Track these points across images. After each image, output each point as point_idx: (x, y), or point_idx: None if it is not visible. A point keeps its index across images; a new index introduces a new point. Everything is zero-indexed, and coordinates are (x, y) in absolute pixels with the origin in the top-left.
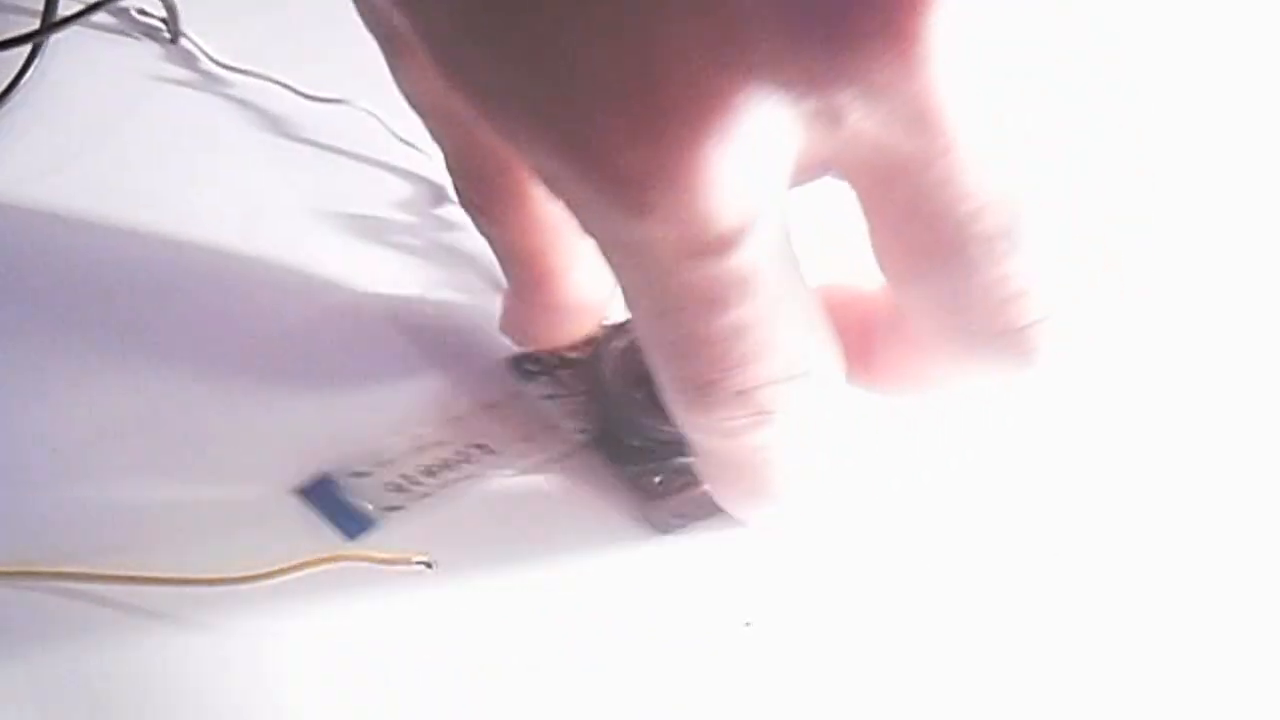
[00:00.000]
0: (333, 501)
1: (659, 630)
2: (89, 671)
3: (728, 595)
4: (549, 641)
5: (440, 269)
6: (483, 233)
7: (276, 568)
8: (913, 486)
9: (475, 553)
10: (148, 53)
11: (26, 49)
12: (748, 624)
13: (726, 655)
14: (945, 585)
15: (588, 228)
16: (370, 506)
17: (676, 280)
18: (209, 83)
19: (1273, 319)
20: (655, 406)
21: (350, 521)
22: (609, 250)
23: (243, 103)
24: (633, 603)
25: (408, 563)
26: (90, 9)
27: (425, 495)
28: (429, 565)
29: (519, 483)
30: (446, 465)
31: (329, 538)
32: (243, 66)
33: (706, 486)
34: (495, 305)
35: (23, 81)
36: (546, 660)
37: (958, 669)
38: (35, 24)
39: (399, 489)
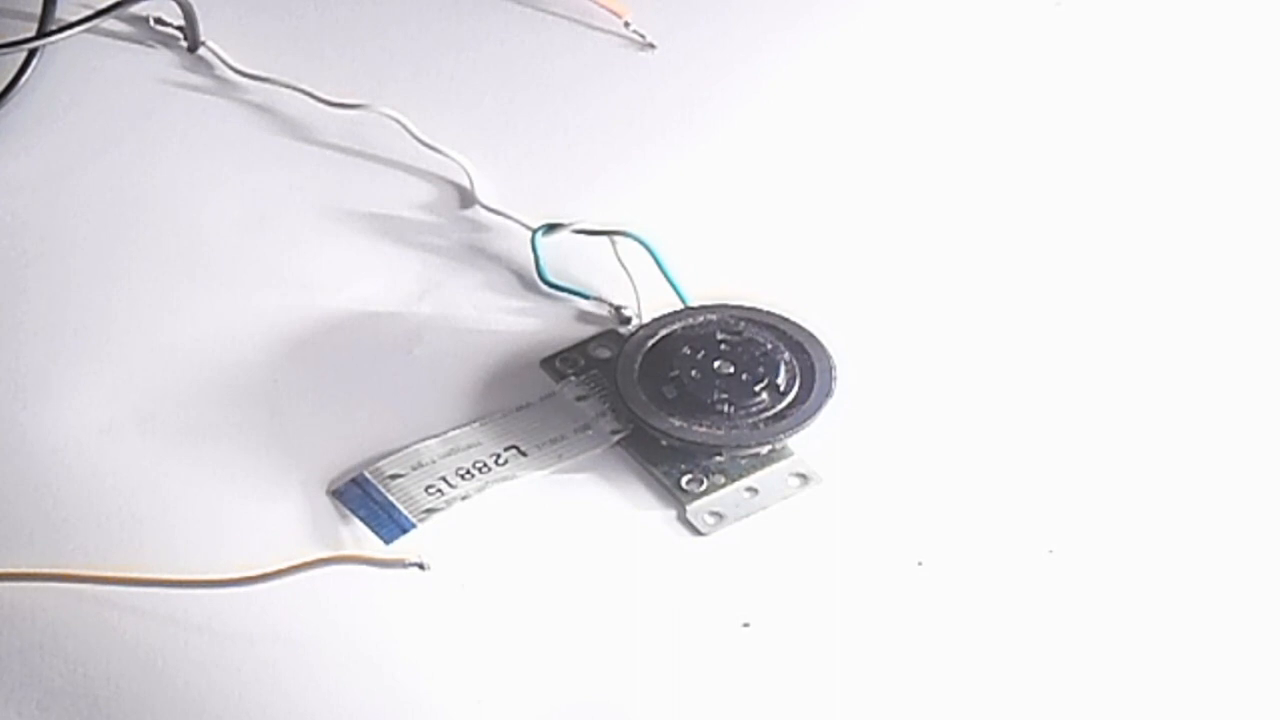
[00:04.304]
0: (368, 504)
1: (659, 630)
2: (89, 671)
3: (727, 596)
4: (550, 641)
5: (470, 271)
6: None
7: (275, 569)
8: (911, 489)
9: (499, 557)
10: (165, 61)
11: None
12: (746, 625)
13: (726, 655)
14: (943, 587)
15: None
16: (407, 510)
17: None
18: (228, 90)
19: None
20: (686, 406)
21: (387, 524)
22: None
23: (263, 109)
24: (635, 604)
25: (403, 564)
26: (90, 18)
27: (463, 498)
28: (423, 567)
29: (551, 483)
30: (481, 467)
31: (366, 540)
32: (262, 74)
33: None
34: (526, 306)
35: (20, 85)
36: (546, 659)
37: (955, 669)
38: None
39: (436, 492)
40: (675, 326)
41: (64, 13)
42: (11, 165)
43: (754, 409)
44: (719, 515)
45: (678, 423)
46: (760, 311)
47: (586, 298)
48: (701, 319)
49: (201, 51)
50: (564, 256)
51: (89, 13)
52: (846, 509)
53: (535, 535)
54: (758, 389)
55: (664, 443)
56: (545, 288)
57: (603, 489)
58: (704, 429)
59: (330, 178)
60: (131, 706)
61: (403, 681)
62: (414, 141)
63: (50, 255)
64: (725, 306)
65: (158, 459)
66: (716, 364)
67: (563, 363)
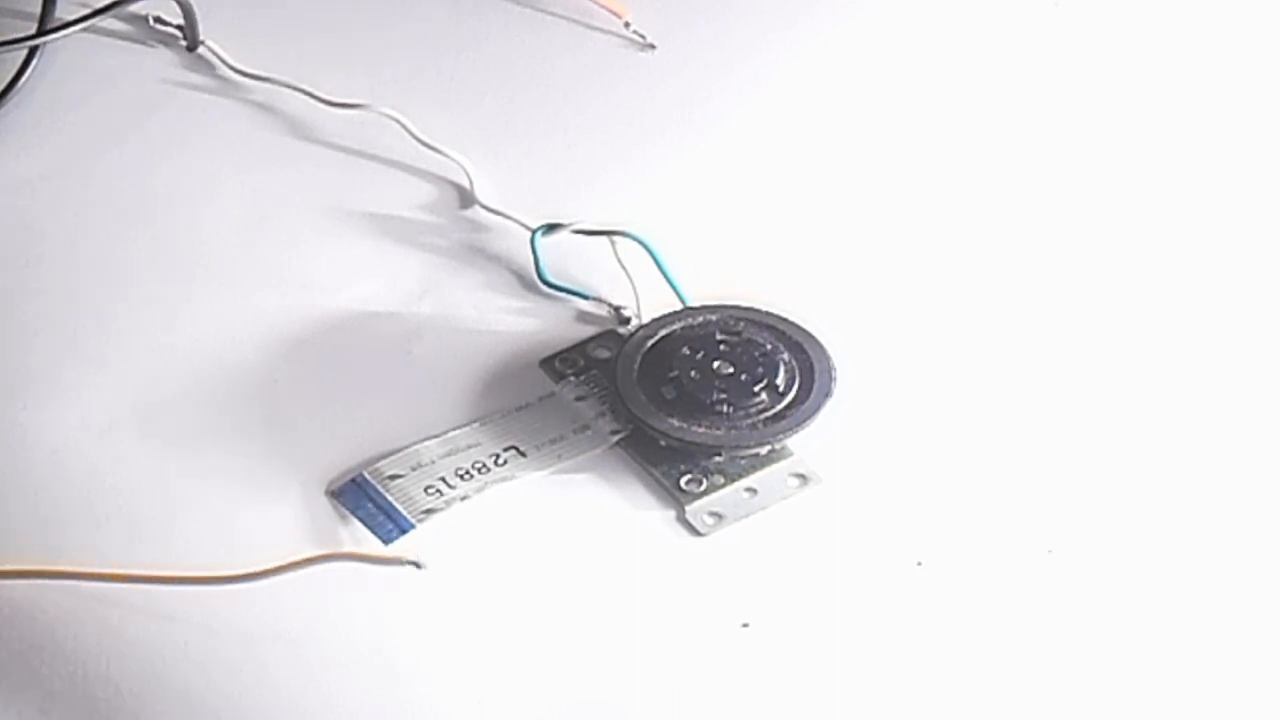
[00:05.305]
0: (367, 505)
1: (658, 630)
2: (89, 672)
3: (726, 597)
4: (550, 641)
5: (470, 271)
6: None
7: (272, 566)
8: (910, 489)
9: (498, 558)
10: (164, 60)
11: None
12: (745, 625)
13: (725, 656)
14: (943, 587)
15: None
16: (406, 510)
17: None
18: (228, 89)
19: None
20: (685, 407)
21: (386, 525)
22: None
23: (263, 108)
24: (635, 604)
25: (400, 562)
26: (89, 16)
27: (462, 498)
28: (418, 565)
29: (551, 484)
30: (480, 468)
31: (365, 541)
32: (262, 74)
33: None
34: (526, 306)
35: (20, 85)
36: (546, 659)
37: (955, 669)
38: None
39: (435, 492)
40: (675, 327)
41: (64, 12)
42: (11, 165)
43: (753, 409)
44: (718, 516)
45: (677, 423)
46: (759, 312)
47: (586, 298)
48: (701, 319)
49: (201, 51)
50: (564, 257)
51: (88, 11)
52: (846, 509)
53: (534, 536)
54: (757, 389)
55: (663, 443)
56: (545, 288)
57: (602, 489)
58: (703, 429)
59: (330, 178)
60: (131, 706)
61: (402, 681)
62: (414, 141)
63: (50, 255)
64: (725, 307)
65: (158, 459)
66: (716, 364)
67: (562, 363)
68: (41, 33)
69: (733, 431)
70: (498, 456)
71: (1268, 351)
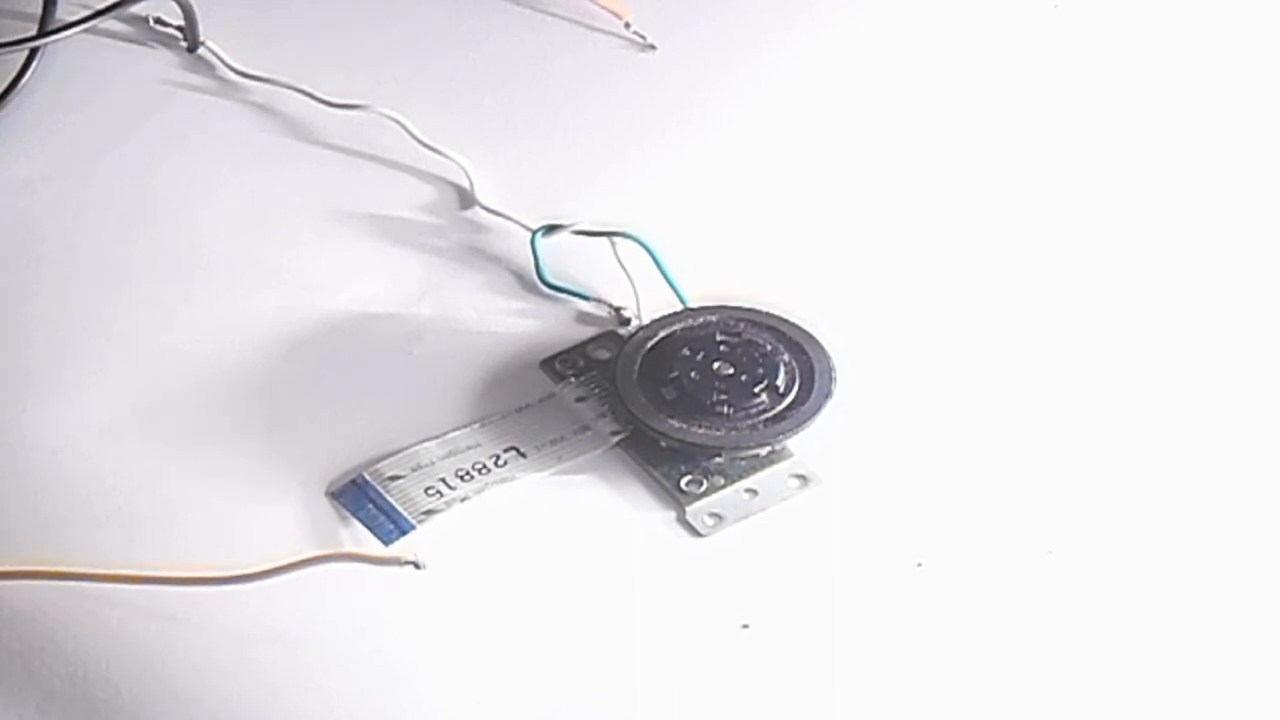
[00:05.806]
0: (367, 505)
1: (658, 631)
2: (88, 672)
3: (726, 598)
4: (550, 641)
5: (470, 272)
6: None
7: (272, 566)
8: (910, 489)
9: (499, 559)
10: (165, 61)
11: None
12: (745, 626)
13: (725, 657)
14: (943, 588)
15: None
16: (406, 511)
17: None
18: (228, 90)
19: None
20: (686, 408)
21: (386, 526)
22: None
23: (263, 109)
24: (635, 605)
25: (399, 562)
26: (90, 17)
27: (463, 499)
28: (418, 566)
29: (551, 485)
30: (480, 469)
31: (366, 542)
32: (262, 74)
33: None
34: (526, 307)
35: (20, 86)
36: (546, 660)
37: (955, 670)
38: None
39: (436, 493)
40: (675, 328)
41: (64, 13)
42: (12, 165)
43: (753, 410)
44: (718, 516)
45: (677, 424)
46: (760, 313)
47: (586, 299)
48: (701, 320)
49: (201, 51)
50: (564, 257)
51: (89, 13)
52: (846, 510)
53: (535, 537)
54: (757, 390)
55: (663, 444)
56: (545, 289)
57: (602, 490)
58: (703, 430)
59: (330, 178)
60: (130, 706)
61: (402, 681)
62: (414, 141)
63: (50, 256)
64: (725, 308)
65: (158, 459)
66: (716, 365)
67: (562, 364)
68: (42, 34)
69: (733, 432)
70: (498, 457)
71: (1267, 352)
